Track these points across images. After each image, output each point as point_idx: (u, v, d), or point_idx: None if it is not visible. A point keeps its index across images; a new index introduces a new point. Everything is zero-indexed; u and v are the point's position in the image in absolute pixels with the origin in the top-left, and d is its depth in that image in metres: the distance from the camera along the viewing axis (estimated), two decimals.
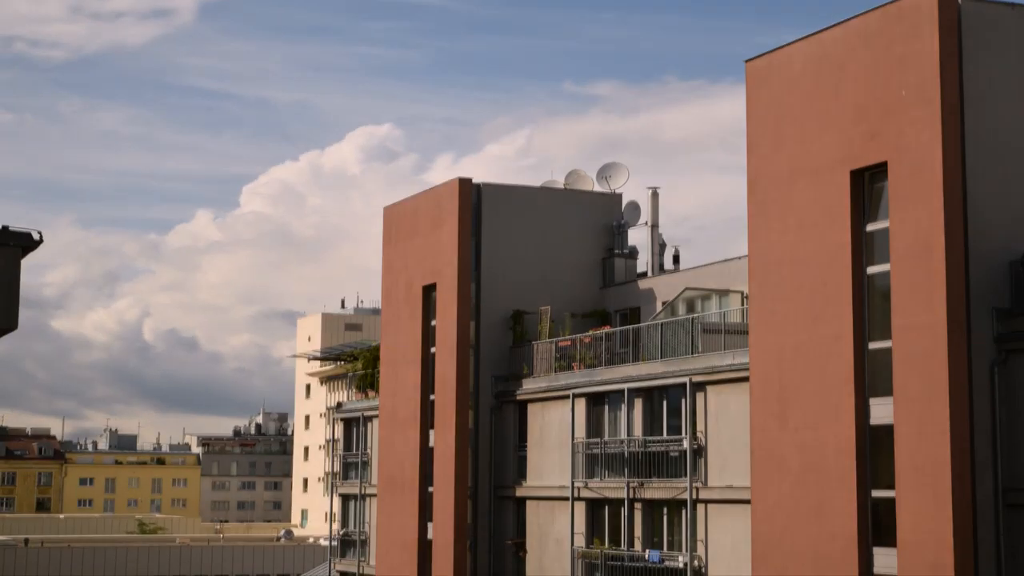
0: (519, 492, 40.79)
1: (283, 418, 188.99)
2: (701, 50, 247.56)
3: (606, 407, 37.59)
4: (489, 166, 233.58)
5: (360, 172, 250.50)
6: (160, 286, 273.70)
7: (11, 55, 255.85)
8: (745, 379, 31.33)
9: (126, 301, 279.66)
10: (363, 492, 49.34)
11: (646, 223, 43.53)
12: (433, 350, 43.16)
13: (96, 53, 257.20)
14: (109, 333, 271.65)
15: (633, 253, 43.56)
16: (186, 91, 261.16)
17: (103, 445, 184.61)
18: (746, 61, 31.68)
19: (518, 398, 41.04)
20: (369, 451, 49.04)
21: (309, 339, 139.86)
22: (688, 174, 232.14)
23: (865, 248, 28.24)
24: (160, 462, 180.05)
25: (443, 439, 41.76)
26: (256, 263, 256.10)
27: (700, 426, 33.63)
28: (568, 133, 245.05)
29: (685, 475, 33.80)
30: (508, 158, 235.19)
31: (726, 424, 32.83)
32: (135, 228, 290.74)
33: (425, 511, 42.78)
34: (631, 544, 35.73)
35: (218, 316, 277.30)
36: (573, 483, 38.05)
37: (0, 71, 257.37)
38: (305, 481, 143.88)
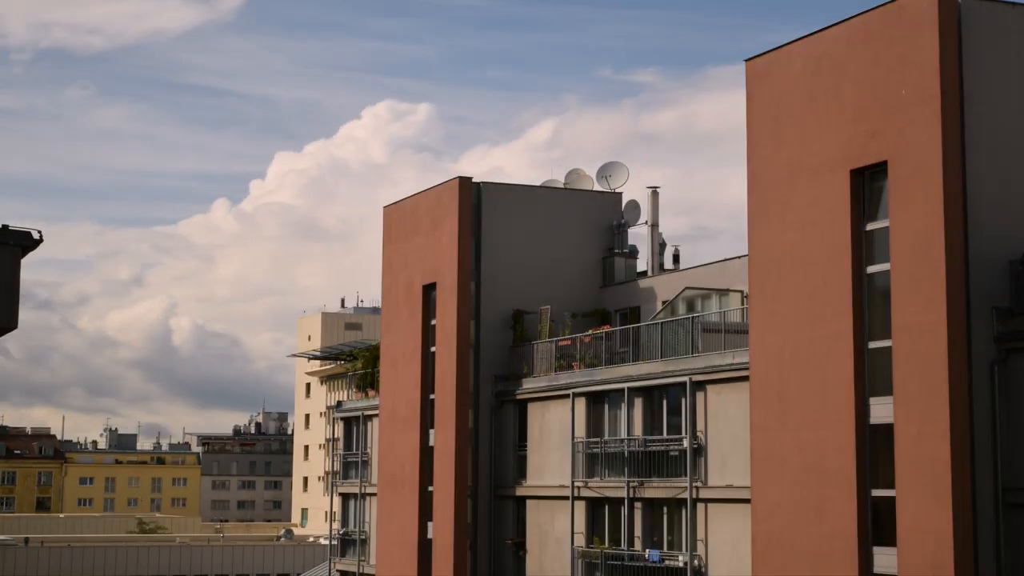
0: (519, 491, 40.78)
1: (283, 417, 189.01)
2: (734, 45, 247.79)
3: (606, 406, 37.58)
4: (516, 159, 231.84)
5: (385, 165, 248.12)
6: (183, 284, 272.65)
7: (47, 45, 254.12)
8: (745, 379, 31.33)
9: (147, 298, 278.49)
10: (363, 491, 49.34)
11: (646, 222, 43.54)
12: (433, 349, 43.16)
13: (126, 45, 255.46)
14: (134, 331, 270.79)
15: (633, 253, 43.56)
16: (190, 88, 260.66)
17: (103, 444, 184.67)
18: (746, 60, 31.67)
19: (518, 398, 41.04)
20: (369, 450, 49.04)
21: (309, 338, 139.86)
22: (727, 164, 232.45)
23: (865, 247, 28.23)
24: (160, 461, 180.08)
25: (443, 438, 41.76)
26: (279, 258, 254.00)
27: (700, 425, 33.63)
28: (597, 125, 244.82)
29: (685, 474, 33.80)
30: (536, 149, 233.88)
31: (726, 424, 32.82)
32: (149, 226, 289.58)
33: (425, 510, 42.78)
34: (631, 544, 35.73)
35: (244, 311, 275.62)
36: (573, 482, 38.04)
37: (24, 64, 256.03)
38: (305, 480, 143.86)
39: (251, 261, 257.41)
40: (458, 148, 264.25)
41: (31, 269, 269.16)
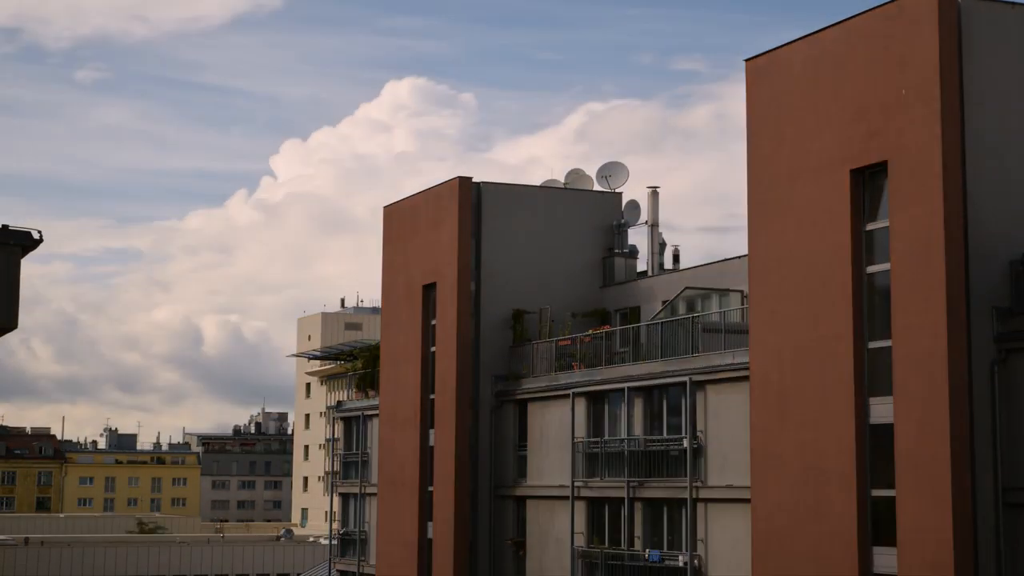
0: (519, 491, 40.78)
1: (283, 417, 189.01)
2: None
3: (606, 406, 37.58)
4: (549, 150, 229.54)
5: (412, 156, 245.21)
6: (209, 279, 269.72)
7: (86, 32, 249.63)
8: (745, 378, 31.33)
9: (171, 294, 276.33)
10: (363, 491, 49.34)
11: (646, 222, 43.56)
12: (433, 349, 43.17)
13: (146, 39, 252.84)
14: (160, 328, 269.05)
15: (633, 252, 43.57)
16: (195, 86, 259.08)
17: (103, 445, 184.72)
18: (746, 60, 31.66)
19: (518, 398, 41.03)
20: (369, 450, 49.05)
21: (309, 338, 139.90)
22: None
23: (865, 247, 28.23)
24: (160, 461, 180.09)
25: (443, 438, 41.77)
26: (304, 251, 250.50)
27: (700, 425, 33.63)
28: (632, 116, 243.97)
29: (685, 474, 33.80)
30: (567, 142, 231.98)
31: (726, 423, 32.82)
32: (166, 220, 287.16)
33: (425, 510, 42.79)
34: (631, 543, 35.73)
35: (269, 306, 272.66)
36: (573, 482, 38.04)
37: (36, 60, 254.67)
38: (305, 480, 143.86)
39: (276, 254, 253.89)
40: (489, 140, 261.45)
41: (52, 267, 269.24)
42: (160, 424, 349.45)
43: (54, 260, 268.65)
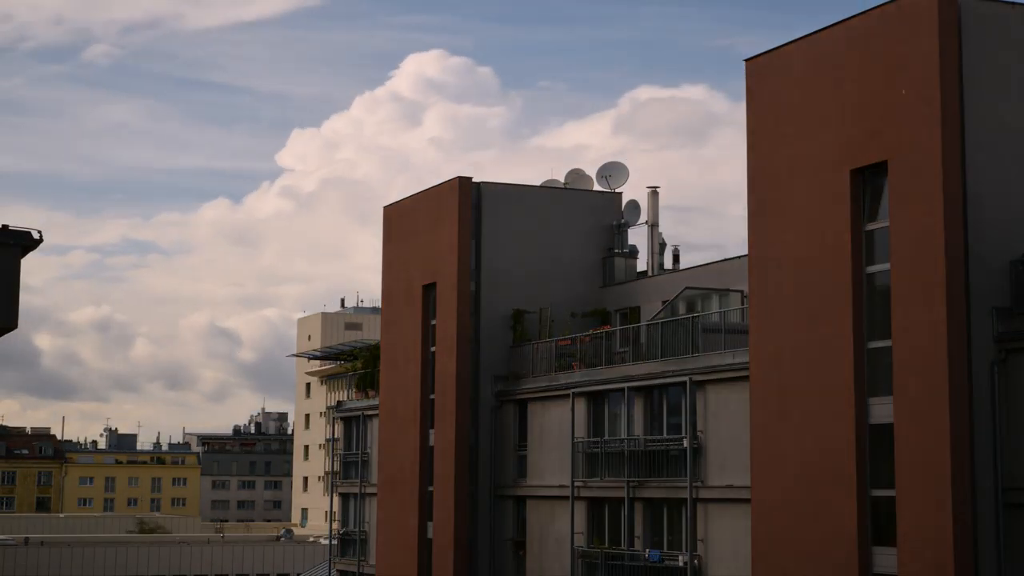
0: (519, 491, 40.78)
1: (283, 417, 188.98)
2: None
3: (606, 406, 37.58)
4: (594, 139, 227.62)
5: (443, 152, 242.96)
6: (233, 274, 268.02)
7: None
8: (745, 378, 31.33)
9: (197, 289, 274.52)
10: (363, 491, 49.34)
11: (646, 222, 43.56)
12: (433, 349, 43.18)
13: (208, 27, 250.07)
14: (192, 324, 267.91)
15: (633, 252, 43.58)
16: (202, 86, 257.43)
17: (103, 445, 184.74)
18: (746, 60, 31.67)
19: (518, 397, 41.03)
20: (369, 450, 49.05)
21: (309, 338, 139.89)
22: None
23: (865, 247, 28.24)
24: (160, 461, 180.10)
25: (443, 438, 41.77)
26: (336, 241, 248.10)
27: (700, 425, 33.63)
28: (670, 107, 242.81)
29: (685, 474, 33.80)
30: (602, 135, 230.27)
31: (726, 423, 32.83)
32: (186, 214, 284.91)
33: (425, 510, 42.79)
34: (631, 543, 35.73)
35: (297, 303, 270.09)
36: (573, 482, 38.04)
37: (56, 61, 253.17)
38: (305, 480, 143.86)
39: (305, 246, 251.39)
40: (531, 128, 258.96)
41: (73, 267, 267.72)
42: (202, 421, 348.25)
43: (70, 252, 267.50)
